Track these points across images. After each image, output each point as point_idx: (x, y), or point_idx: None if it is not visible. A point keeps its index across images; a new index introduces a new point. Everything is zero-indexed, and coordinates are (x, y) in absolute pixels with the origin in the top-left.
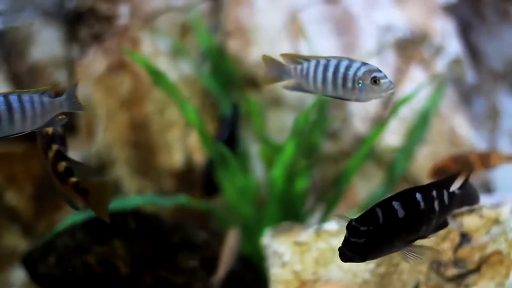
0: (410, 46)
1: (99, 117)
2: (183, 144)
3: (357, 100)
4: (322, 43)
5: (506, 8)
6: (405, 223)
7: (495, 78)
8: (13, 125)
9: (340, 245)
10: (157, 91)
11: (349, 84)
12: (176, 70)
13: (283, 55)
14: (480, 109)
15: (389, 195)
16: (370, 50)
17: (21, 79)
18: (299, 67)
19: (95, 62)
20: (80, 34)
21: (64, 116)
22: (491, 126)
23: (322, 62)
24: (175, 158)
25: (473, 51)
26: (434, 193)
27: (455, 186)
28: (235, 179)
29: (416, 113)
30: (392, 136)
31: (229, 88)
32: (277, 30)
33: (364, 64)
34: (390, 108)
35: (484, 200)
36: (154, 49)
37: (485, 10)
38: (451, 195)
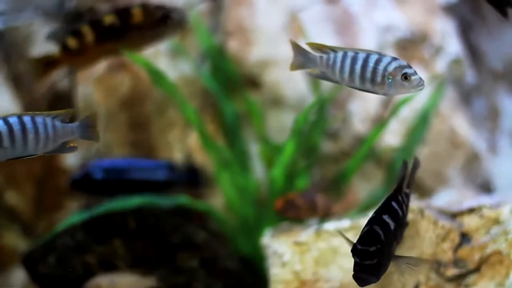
0: (410, 46)
1: (99, 117)
2: (183, 144)
3: (384, 94)
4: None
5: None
6: (395, 234)
7: (495, 78)
8: (26, 147)
9: (353, 271)
10: (157, 91)
11: (378, 79)
12: (176, 70)
13: (309, 44)
14: (480, 109)
15: (376, 209)
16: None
17: (21, 79)
18: (325, 57)
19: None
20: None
21: (75, 145)
22: (491, 126)
23: (350, 54)
24: (175, 158)
25: (473, 51)
26: (399, 198)
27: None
28: (235, 179)
29: (416, 113)
30: (392, 136)
31: (229, 88)
32: (277, 30)
33: (394, 59)
34: (390, 108)
35: (484, 200)
36: (154, 49)
37: (485, 10)
38: (408, 195)
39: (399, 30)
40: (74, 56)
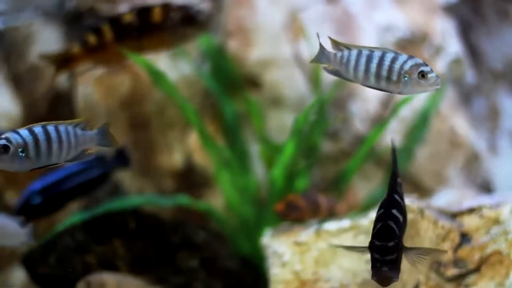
0: (410, 46)
1: (99, 117)
2: (183, 144)
3: (399, 93)
4: (322, 43)
5: (506, 8)
6: (403, 226)
7: (495, 78)
8: (51, 156)
9: (373, 269)
10: (157, 91)
11: (394, 77)
12: (176, 70)
13: (330, 38)
14: (480, 109)
15: (382, 204)
16: None
17: (21, 79)
18: (339, 54)
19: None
20: (80, 34)
21: (92, 151)
22: (491, 126)
23: (365, 52)
24: (175, 158)
25: (473, 51)
26: (398, 189)
27: None
28: (235, 179)
29: (416, 113)
30: (392, 136)
31: (229, 88)
32: (277, 30)
33: (410, 57)
34: (390, 108)
35: (484, 200)
36: None
37: (485, 10)
38: (401, 185)
39: (399, 30)
40: (93, 52)
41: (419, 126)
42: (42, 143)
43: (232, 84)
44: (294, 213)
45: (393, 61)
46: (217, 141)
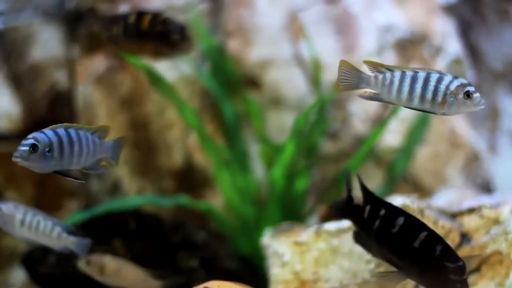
0: (410, 46)
1: (99, 117)
2: (183, 144)
3: (443, 114)
4: (322, 43)
5: (506, 8)
6: None
7: (495, 78)
8: (71, 160)
9: None
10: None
11: (439, 98)
12: (176, 70)
13: (366, 62)
14: None
15: (424, 226)
16: (370, 50)
17: (21, 79)
18: (380, 76)
19: (95, 62)
20: (80, 34)
21: (107, 164)
22: (491, 126)
23: (409, 73)
24: (175, 158)
25: (473, 51)
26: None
27: None
28: (235, 179)
29: (416, 113)
30: (392, 136)
31: (229, 88)
32: (277, 30)
33: (456, 77)
34: (390, 108)
35: (484, 200)
36: None
37: (485, 10)
38: None
39: (399, 30)
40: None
41: (419, 126)
42: (65, 145)
43: (232, 84)
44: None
45: (439, 81)
46: (217, 141)
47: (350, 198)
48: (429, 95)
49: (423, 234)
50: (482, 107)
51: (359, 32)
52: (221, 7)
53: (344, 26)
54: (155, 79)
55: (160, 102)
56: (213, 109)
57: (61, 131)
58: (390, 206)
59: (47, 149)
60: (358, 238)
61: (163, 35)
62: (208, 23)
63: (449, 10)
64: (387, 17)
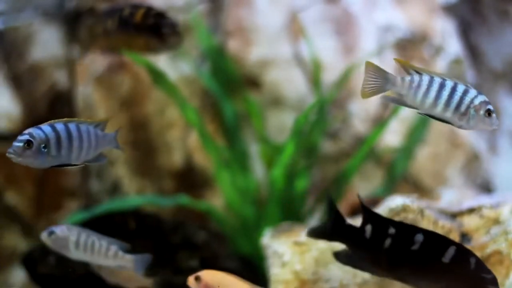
0: (410, 46)
1: (99, 117)
2: (183, 144)
3: (460, 126)
4: (322, 43)
5: (506, 8)
6: None
7: (495, 78)
8: (71, 154)
9: None
10: (157, 91)
11: (462, 110)
12: (176, 70)
13: (397, 60)
14: None
15: (433, 237)
16: (370, 50)
17: (21, 79)
18: (407, 78)
19: (95, 62)
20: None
21: (105, 155)
22: None
23: (437, 79)
24: (175, 158)
25: (473, 51)
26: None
27: None
28: (235, 179)
29: (416, 113)
30: (392, 136)
31: (229, 88)
32: (277, 30)
33: (480, 93)
34: (390, 108)
35: (484, 200)
36: None
37: (485, 10)
38: None
39: (399, 30)
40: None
41: (419, 126)
42: (63, 140)
43: (232, 84)
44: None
45: (465, 93)
46: (217, 141)
47: (340, 219)
48: (453, 105)
49: (452, 249)
50: (495, 127)
51: (359, 32)
52: (221, 7)
53: (344, 26)
54: (157, 76)
55: (160, 102)
56: (213, 109)
57: (59, 126)
58: (402, 224)
59: (43, 145)
60: (345, 258)
61: (154, 29)
62: (208, 23)
63: (449, 10)
64: (387, 17)
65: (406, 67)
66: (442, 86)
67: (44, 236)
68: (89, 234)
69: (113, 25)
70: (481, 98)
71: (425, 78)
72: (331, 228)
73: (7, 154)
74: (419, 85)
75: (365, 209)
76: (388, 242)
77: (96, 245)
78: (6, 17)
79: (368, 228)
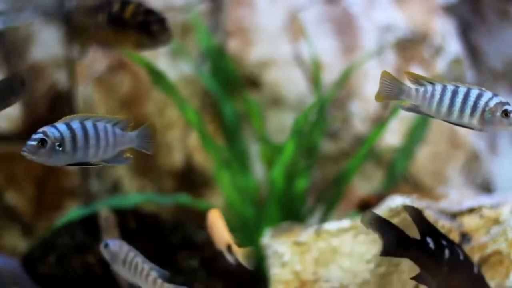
0: (410, 46)
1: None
2: (183, 144)
3: (479, 130)
4: (322, 43)
5: (506, 8)
6: None
7: (495, 78)
8: (87, 153)
9: None
10: (157, 91)
11: (478, 114)
12: (176, 70)
13: (407, 73)
14: None
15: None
16: (370, 50)
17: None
18: (421, 89)
19: (95, 62)
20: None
21: (131, 156)
22: None
23: (450, 87)
24: (175, 158)
25: (473, 51)
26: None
27: None
28: (235, 179)
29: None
30: (392, 136)
31: (229, 88)
32: (277, 30)
33: (495, 95)
34: (390, 108)
35: (484, 200)
36: None
37: (485, 10)
38: None
39: (399, 30)
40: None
41: (419, 126)
42: (79, 139)
43: (232, 84)
44: None
45: (479, 97)
46: (217, 141)
47: (401, 232)
48: (468, 110)
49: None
50: None
51: (359, 32)
52: (221, 7)
53: (344, 26)
54: (157, 76)
55: (160, 102)
56: (213, 109)
57: (75, 124)
58: (443, 235)
59: (57, 143)
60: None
61: (143, 25)
62: (208, 23)
63: (449, 10)
64: (387, 17)
65: (418, 79)
66: (455, 93)
67: (101, 247)
68: (136, 255)
69: (103, 20)
70: (496, 100)
71: (438, 87)
72: (394, 244)
73: (21, 152)
74: (432, 95)
75: (422, 219)
76: (446, 253)
77: (138, 268)
78: (6, 17)
79: (429, 240)
